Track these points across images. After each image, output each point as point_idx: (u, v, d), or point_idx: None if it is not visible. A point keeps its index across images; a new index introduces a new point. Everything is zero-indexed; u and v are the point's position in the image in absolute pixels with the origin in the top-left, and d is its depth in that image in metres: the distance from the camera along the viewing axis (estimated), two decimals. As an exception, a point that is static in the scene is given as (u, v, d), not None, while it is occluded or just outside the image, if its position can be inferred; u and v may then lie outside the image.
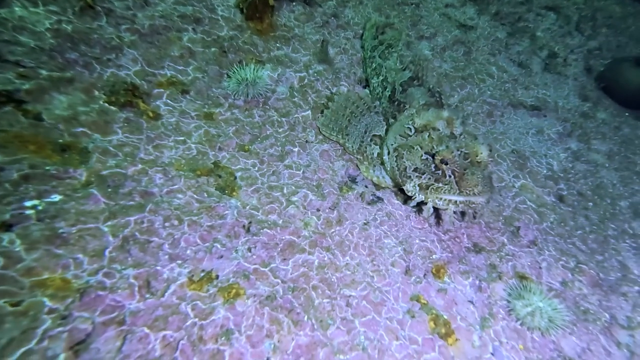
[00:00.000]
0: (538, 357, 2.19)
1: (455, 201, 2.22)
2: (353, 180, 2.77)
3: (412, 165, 2.33)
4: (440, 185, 2.23)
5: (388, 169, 2.59)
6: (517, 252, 2.74)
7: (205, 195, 2.26)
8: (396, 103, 2.79)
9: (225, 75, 2.78)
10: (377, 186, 2.78)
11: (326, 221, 2.43)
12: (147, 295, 1.82)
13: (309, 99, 3.07)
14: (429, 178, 2.27)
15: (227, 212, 2.23)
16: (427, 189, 2.27)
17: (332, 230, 2.40)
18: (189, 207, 2.16)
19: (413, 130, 2.44)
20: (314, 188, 2.58)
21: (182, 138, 2.41)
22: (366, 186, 2.75)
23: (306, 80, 3.15)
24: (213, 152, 2.46)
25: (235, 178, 2.41)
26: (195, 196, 2.22)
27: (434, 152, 2.27)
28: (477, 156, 2.26)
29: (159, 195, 2.12)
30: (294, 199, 2.45)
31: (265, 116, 2.80)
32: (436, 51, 4.46)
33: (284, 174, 2.57)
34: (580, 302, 2.60)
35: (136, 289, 1.80)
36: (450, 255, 2.52)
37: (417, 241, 2.54)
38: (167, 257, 1.95)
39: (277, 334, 1.89)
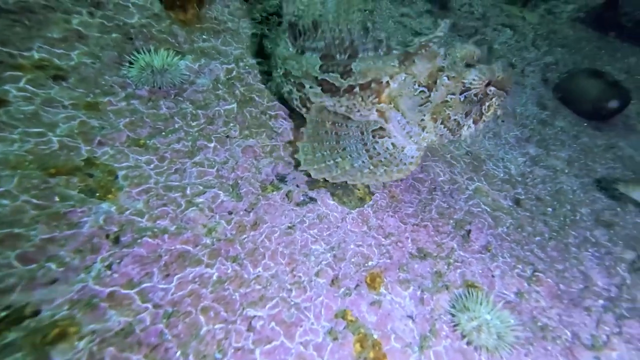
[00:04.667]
0: (489, 384, 1.80)
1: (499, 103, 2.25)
2: (282, 179, 2.39)
3: (462, 114, 2.21)
4: (489, 102, 2.22)
5: (435, 138, 2.33)
6: (467, 259, 2.39)
7: (57, 199, 1.76)
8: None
9: (128, 63, 2.40)
10: (312, 185, 2.40)
11: (238, 225, 2.02)
12: None
13: (237, 92, 2.71)
14: (478, 109, 2.23)
15: (85, 219, 1.74)
16: (482, 117, 2.27)
17: (245, 236, 1.99)
18: (14, 217, 1.63)
19: (425, 90, 2.20)
20: (229, 188, 2.18)
21: (38, 130, 1.93)
22: (297, 185, 2.38)
23: (234, 73, 2.81)
24: (88, 147, 2.00)
25: (117, 177, 1.96)
26: (34, 201, 1.71)
27: (466, 86, 2.15)
28: (473, 58, 2.18)
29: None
30: (199, 200, 2.04)
31: (176, 108, 2.41)
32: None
33: (191, 172, 2.15)
34: (537, 316, 2.25)
35: None
36: (389, 261, 2.15)
37: (352, 246, 2.15)
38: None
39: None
